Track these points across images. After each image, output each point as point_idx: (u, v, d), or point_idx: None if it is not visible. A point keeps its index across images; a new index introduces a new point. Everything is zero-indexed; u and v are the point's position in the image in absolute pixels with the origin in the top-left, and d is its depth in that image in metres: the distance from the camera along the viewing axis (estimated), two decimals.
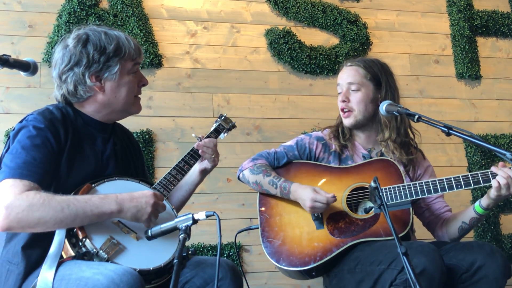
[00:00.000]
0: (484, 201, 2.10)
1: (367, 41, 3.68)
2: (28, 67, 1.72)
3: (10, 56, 1.68)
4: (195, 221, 1.60)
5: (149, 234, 1.64)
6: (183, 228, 1.58)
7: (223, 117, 2.32)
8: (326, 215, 2.18)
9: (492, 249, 1.96)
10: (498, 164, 2.03)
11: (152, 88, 3.25)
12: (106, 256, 1.59)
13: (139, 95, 1.94)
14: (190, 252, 1.68)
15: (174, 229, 1.62)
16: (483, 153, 3.56)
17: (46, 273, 1.55)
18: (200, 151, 2.06)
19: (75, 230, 1.62)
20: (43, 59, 3.13)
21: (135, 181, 1.85)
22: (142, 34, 3.28)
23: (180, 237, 1.55)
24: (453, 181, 2.07)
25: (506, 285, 1.94)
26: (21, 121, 1.74)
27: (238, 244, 3.11)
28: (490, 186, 2.03)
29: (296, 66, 3.51)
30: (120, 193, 1.68)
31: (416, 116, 1.90)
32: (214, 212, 1.60)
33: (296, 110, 3.46)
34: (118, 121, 2.00)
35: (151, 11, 3.40)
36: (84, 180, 1.73)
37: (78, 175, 1.74)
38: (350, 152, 2.33)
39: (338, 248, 2.10)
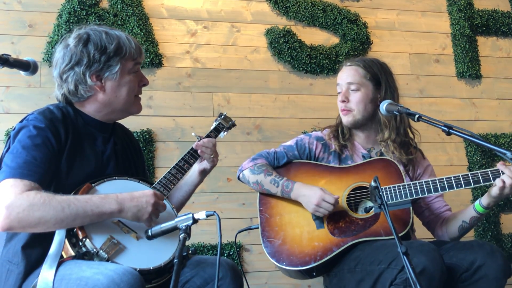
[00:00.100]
0: (484, 200, 2.10)
1: (367, 41, 3.68)
2: (28, 67, 1.72)
3: (10, 55, 1.68)
4: (195, 221, 1.60)
5: (150, 233, 1.64)
6: (183, 227, 1.58)
7: (223, 116, 2.32)
8: (326, 215, 2.18)
9: (492, 248, 1.96)
10: (499, 162, 2.03)
11: (152, 87, 3.25)
12: (106, 256, 1.59)
13: (139, 95, 1.94)
14: (190, 251, 1.67)
15: (175, 228, 1.62)
16: (483, 152, 3.56)
17: (46, 273, 1.55)
18: (199, 151, 2.06)
19: (75, 230, 1.62)
20: (43, 58, 3.13)
21: (135, 181, 1.85)
22: (142, 33, 3.28)
23: (180, 236, 1.55)
24: (453, 181, 2.07)
25: (506, 284, 1.94)
26: (21, 121, 1.74)
27: (238, 243, 3.11)
28: (491, 185, 2.03)
29: (296, 66, 3.51)
30: (121, 193, 1.68)
31: (416, 116, 1.90)
32: (214, 211, 1.60)
33: (296, 110, 3.46)
34: (118, 121, 2.00)
35: (151, 11, 3.40)
36: (84, 180, 1.73)
37: (78, 174, 1.74)
38: (350, 152, 2.33)
39: (339, 248, 2.10)
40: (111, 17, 3.26)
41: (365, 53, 3.64)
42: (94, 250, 1.59)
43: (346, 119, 2.30)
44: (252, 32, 3.54)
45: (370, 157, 2.30)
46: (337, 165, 2.30)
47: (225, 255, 3.05)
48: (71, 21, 3.17)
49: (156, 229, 1.64)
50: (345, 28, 3.64)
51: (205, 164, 2.12)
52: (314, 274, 2.17)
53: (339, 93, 2.34)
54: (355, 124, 2.31)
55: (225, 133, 2.30)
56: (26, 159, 1.62)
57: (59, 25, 3.18)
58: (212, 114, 3.30)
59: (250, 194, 2.94)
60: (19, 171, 1.60)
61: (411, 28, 3.83)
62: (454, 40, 3.83)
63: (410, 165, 2.31)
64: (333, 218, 2.17)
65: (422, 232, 2.42)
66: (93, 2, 3.26)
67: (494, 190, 2.01)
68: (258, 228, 2.26)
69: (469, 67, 3.77)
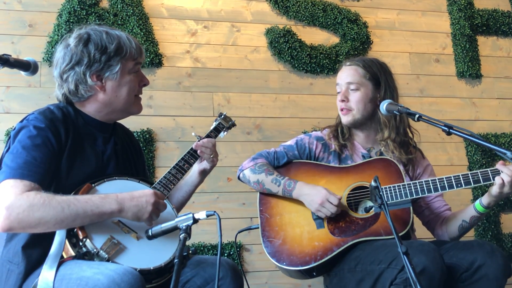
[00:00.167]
0: (485, 199, 2.10)
1: (368, 40, 3.68)
2: (29, 67, 1.72)
3: (10, 55, 1.68)
4: (195, 221, 1.60)
5: (150, 233, 1.64)
6: (184, 227, 1.58)
7: (222, 116, 2.32)
8: (328, 216, 2.18)
9: (492, 248, 1.96)
10: (498, 162, 2.03)
11: (153, 87, 3.25)
12: (106, 256, 1.59)
13: (140, 95, 1.94)
14: (190, 251, 1.67)
15: (175, 228, 1.62)
16: (483, 152, 3.57)
17: (46, 273, 1.55)
18: (198, 151, 2.06)
19: (75, 230, 1.62)
20: (43, 58, 3.14)
21: (135, 181, 1.85)
22: (142, 33, 3.28)
23: (180, 236, 1.55)
24: (453, 180, 2.07)
25: (506, 284, 1.94)
26: (21, 121, 1.74)
27: (238, 243, 3.11)
28: (491, 185, 2.03)
29: (296, 65, 3.51)
30: (121, 193, 1.68)
31: (417, 116, 1.90)
32: (215, 211, 1.60)
33: (297, 109, 3.46)
34: (118, 121, 2.00)
35: (151, 10, 3.40)
36: (85, 180, 1.73)
37: (78, 175, 1.74)
38: (350, 151, 2.33)
39: (339, 247, 2.10)
40: (111, 17, 3.26)
41: (365, 53, 3.64)
42: (95, 250, 1.59)
43: (346, 119, 2.30)
44: (252, 32, 3.54)
45: (370, 157, 2.30)
46: (337, 165, 2.30)
47: (226, 255, 3.05)
48: (71, 21, 3.17)
49: (157, 229, 1.64)
50: (345, 28, 3.64)
51: (205, 165, 2.12)
52: (315, 274, 2.17)
53: (338, 92, 2.34)
54: (354, 124, 2.31)
55: (225, 133, 2.30)
56: (26, 160, 1.62)
57: (59, 25, 3.18)
58: (212, 114, 3.30)
59: (250, 194, 2.94)
60: (19, 172, 1.60)
61: (411, 27, 3.83)
62: (454, 40, 3.83)
63: (410, 165, 2.31)
64: (333, 218, 2.17)
65: (422, 232, 2.42)
66: (93, 1, 3.26)
67: (494, 189, 2.01)
68: (258, 228, 2.26)
69: (469, 66, 3.77)
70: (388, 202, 2.05)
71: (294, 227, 2.20)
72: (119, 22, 3.27)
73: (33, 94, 3.09)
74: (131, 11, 3.30)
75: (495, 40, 3.95)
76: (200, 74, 3.39)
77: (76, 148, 1.77)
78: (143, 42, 3.26)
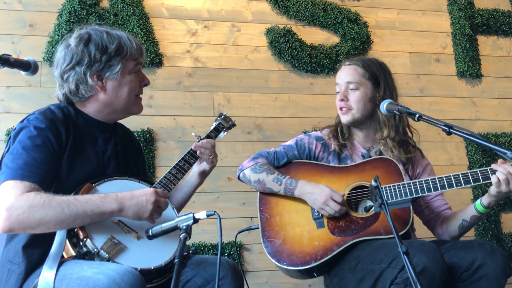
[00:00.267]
0: (485, 199, 2.10)
1: (368, 40, 3.68)
2: (29, 67, 1.72)
3: (10, 55, 1.69)
4: (195, 221, 1.60)
5: (150, 233, 1.64)
6: (184, 227, 1.58)
7: (223, 116, 2.32)
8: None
9: (492, 247, 1.97)
10: (498, 161, 2.03)
11: (153, 87, 3.25)
12: (107, 255, 1.59)
13: (140, 95, 1.94)
14: (191, 251, 1.67)
15: (175, 228, 1.62)
16: (484, 151, 3.57)
17: (47, 273, 1.55)
18: (198, 152, 2.05)
19: (76, 230, 1.62)
20: (43, 58, 3.14)
21: (136, 181, 1.85)
22: (142, 33, 3.28)
23: (181, 236, 1.55)
24: (452, 179, 2.08)
25: (506, 284, 1.94)
26: (22, 121, 1.74)
27: (239, 243, 3.11)
28: (490, 184, 2.03)
29: (296, 65, 3.51)
30: (121, 192, 1.68)
31: (417, 115, 1.90)
32: (215, 211, 1.60)
33: (297, 109, 3.46)
34: (119, 121, 2.00)
35: (151, 10, 3.40)
36: (85, 180, 1.73)
37: (79, 175, 1.74)
38: (349, 151, 2.33)
39: (339, 247, 2.10)
40: (112, 17, 3.26)
41: (366, 53, 3.64)
42: (95, 250, 1.60)
43: (345, 118, 2.31)
44: (253, 32, 3.55)
45: (370, 156, 2.30)
46: (336, 165, 2.30)
47: (226, 254, 3.05)
48: (72, 20, 3.17)
49: (157, 229, 1.64)
50: (346, 28, 3.64)
51: (204, 166, 2.12)
52: (315, 274, 2.17)
53: (338, 92, 2.34)
54: (354, 123, 2.31)
55: (225, 133, 2.31)
56: (26, 160, 1.62)
57: (60, 25, 3.18)
58: (212, 114, 3.30)
59: (251, 194, 2.94)
60: (19, 173, 1.60)
61: (411, 27, 3.83)
62: (455, 39, 3.83)
63: (409, 164, 2.31)
64: (334, 217, 2.17)
65: (422, 232, 2.42)
66: (93, 1, 3.26)
67: (492, 189, 2.02)
68: (258, 228, 2.26)
69: (470, 66, 3.76)
70: (388, 202, 2.05)
71: (294, 227, 2.20)
72: (119, 22, 3.27)
73: (33, 94, 3.09)
74: (132, 11, 3.30)
75: (495, 39, 3.95)
76: (201, 74, 3.39)
77: (77, 148, 1.77)
78: (143, 42, 3.26)
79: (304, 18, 3.62)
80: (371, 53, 3.65)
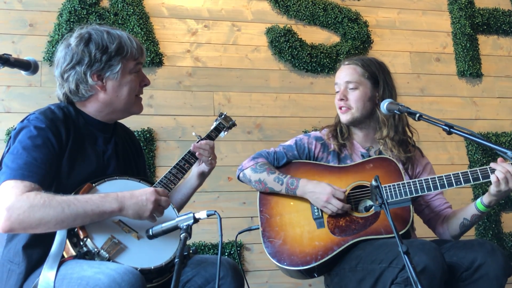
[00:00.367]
0: (485, 198, 2.10)
1: (368, 39, 3.68)
2: (29, 66, 1.72)
3: (11, 55, 1.69)
4: (196, 220, 1.60)
5: (150, 233, 1.65)
6: (184, 227, 1.58)
7: (223, 116, 2.32)
8: (326, 214, 2.18)
9: (492, 247, 1.97)
10: (498, 159, 2.03)
11: (153, 86, 3.25)
12: (107, 255, 1.59)
13: (140, 95, 1.94)
14: (191, 251, 1.68)
15: (175, 228, 1.63)
16: (484, 151, 3.57)
17: (47, 272, 1.55)
18: (197, 153, 2.05)
19: (76, 229, 1.62)
20: (44, 58, 3.14)
21: (136, 181, 1.85)
22: (142, 32, 3.28)
23: (181, 236, 1.55)
24: (452, 178, 2.08)
25: (506, 283, 1.94)
26: (22, 121, 1.74)
27: (239, 242, 3.11)
28: (491, 183, 2.03)
29: (297, 65, 3.51)
30: (121, 192, 1.68)
31: (417, 115, 1.90)
32: (215, 211, 1.60)
33: (297, 109, 3.46)
34: (119, 121, 2.00)
35: (151, 10, 3.40)
36: (85, 180, 1.73)
37: (79, 175, 1.74)
38: (349, 151, 2.33)
39: (339, 247, 2.10)
40: (112, 16, 3.26)
41: (366, 52, 3.64)
42: (95, 249, 1.60)
43: (345, 117, 2.31)
44: (253, 31, 3.54)
45: (369, 156, 2.30)
46: (336, 165, 2.30)
47: (226, 254, 3.05)
48: (72, 20, 3.17)
49: (157, 228, 1.64)
50: (346, 27, 3.63)
51: (203, 167, 2.11)
52: (316, 275, 2.17)
53: (337, 92, 2.34)
54: (353, 122, 2.31)
55: (226, 133, 2.30)
56: (27, 160, 1.62)
57: (60, 24, 3.18)
58: (212, 113, 3.30)
59: (251, 193, 2.94)
60: (20, 172, 1.60)
61: (411, 26, 3.83)
62: (455, 39, 3.83)
63: (409, 163, 2.31)
64: (334, 217, 2.17)
65: (423, 231, 2.42)
66: (93, 1, 3.26)
67: (492, 188, 2.02)
68: (258, 229, 2.26)
69: (470, 65, 3.76)
70: (388, 201, 2.05)
71: (295, 227, 2.20)
72: (119, 22, 3.27)
73: (33, 93, 3.09)
74: (132, 10, 3.30)
75: (496, 39, 3.95)
76: (201, 74, 3.39)
77: (77, 148, 1.77)
78: (143, 41, 3.26)
79: (305, 18, 3.61)
80: (371, 53, 3.65)
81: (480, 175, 2.05)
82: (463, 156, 3.61)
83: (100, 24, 1.89)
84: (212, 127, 2.26)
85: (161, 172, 2.91)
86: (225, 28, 3.51)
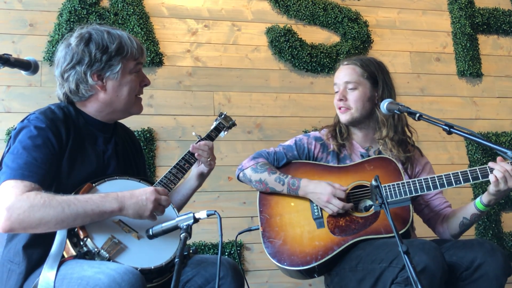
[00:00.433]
0: (485, 197, 2.10)
1: (368, 39, 3.68)
2: (29, 66, 1.72)
3: (11, 55, 1.69)
4: (196, 220, 1.60)
5: (150, 233, 1.65)
6: (184, 227, 1.58)
7: (223, 115, 2.32)
8: (326, 214, 2.18)
9: (492, 246, 1.97)
10: (497, 158, 2.03)
11: (153, 86, 3.25)
12: (107, 255, 1.59)
13: (140, 95, 1.94)
14: (191, 251, 1.68)
15: (175, 228, 1.63)
16: (484, 151, 3.57)
17: (47, 272, 1.55)
18: (195, 154, 2.05)
19: (76, 229, 1.62)
20: (44, 57, 3.14)
21: (136, 180, 1.85)
22: (142, 32, 3.28)
23: (181, 236, 1.55)
24: (452, 177, 2.08)
25: (506, 283, 1.94)
26: (22, 121, 1.74)
27: (239, 242, 3.11)
28: (489, 182, 2.03)
29: (297, 64, 3.51)
30: (121, 191, 1.68)
31: (417, 115, 1.90)
32: (215, 211, 1.60)
33: (297, 108, 3.46)
34: (119, 120, 2.00)
35: (151, 10, 3.40)
36: (85, 180, 1.73)
37: (79, 174, 1.74)
38: (348, 151, 2.33)
39: (339, 247, 2.10)
40: (112, 16, 3.26)
41: (366, 52, 3.64)
42: (95, 249, 1.60)
43: (344, 117, 2.31)
44: (253, 31, 3.54)
45: (369, 156, 2.30)
46: (336, 165, 2.30)
47: (226, 254, 3.05)
48: (72, 20, 3.17)
49: (157, 228, 1.65)
50: (346, 27, 3.63)
51: (202, 168, 2.11)
52: (316, 275, 2.17)
53: (336, 92, 2.34)
54: (353, 122, 2.32)
55: (226, 132, 2.30)
56: (27, 160, 1.62)
57: (60, 24, 3.18)
58: (213, 113, 3.30)
59: (251, 193, 2.94)
60: (20, 172, 1.60)
61: (412, 26, 3.83)
62: (455, 39, 3.83)
63: (408, 163, 2.31)
64: (334, 217, 2.17)
65: (423, 231, 2.42)
66: (93, 1, 3.26)
67: (491, 187, 2.02)
68: (258, 229, 2.26)
69: (470, 65, 3.76)
70: (388, 201, 2.05)
71: (295, 227, 2.20)
72: (119, 22, 3.27)
73: (33, 93, 3.09)
74: (132, 10, 3.30)
75: (496, 38, 3.95)
76: (201, 73, 3.39)
77: (77, 148, 1.77)
78: (143, 41, 3.26)
79: (305, 18, 3.61)
80: (371, 53, 3.65)
81: (479, 174, 2.05)
82: (463, 156, 3.61)
83: (100, 24, 1.89)
84: (212, 127, 2.26)
85: (161, 172, 2.91)
86: (225, 28, 3.51)
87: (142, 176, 1.95)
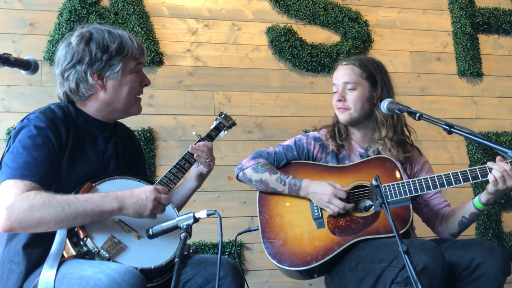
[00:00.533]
0: (483, 196, 2.10)
1: (369, 39, 3.68)
2: (29, 66, 1.72)
3: (11, 54, 1.69)
4: (196, 220, 1.60)
5: (150, 233, 1.65)
6: (184, 226, 1.58)
7: (223, 115, 2.32)
8: (326, 214, 2.18)
9: (491, 246, 1.97)
10: (496, 158, 2.03)
11: (153, 86, 3.25)
12: (107, 255, 1.59)
13: (140, 95, 1.93)
14: (191, 250, 1.68)
15: (175, 227, 1.63)
16: (484, 150, 3.57)
17: (47, 272, 1.55)
18: (195, 155, 2.04)
19: (76, 229, 1.62)
20: (44, 57, 3.14)
21: (136, 180, 1.85)
22: (143, 32, 3.28)
23: (181, 235, 1.55)
24: (451, 177, 2.08)
25: (505, 282, 1.94)
26: (22, 120, 1.74)
27: (239, 242, 3.11)
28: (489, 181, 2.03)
29: (297, 64, 3.51)
30: (121, 191, 1.67)
31: (418, 114, 1.90)
32: (215, 211, 1.60)
33: (297, 108, 3.46)
34: (119, 120, 2.00)
35: (152, 9, 3.39)
36: (85, 180, 1.73)
37: (79, 174, 1.74)
38: (347, 151, 2.33)
39: (340, 247, 2.10)
40: (112, 16, 3.26)
41: (366, 51, 3.64)
42: (95, 249, 1.59)
43: (343, 117, 2.31)
44: (253, 31, 3.54)
45: (368, 156, 2.30)
46: (335, 165, 2.30)
47: (226, 254, 3.05)
48: (72, 19, 3.17)
49: (157, 228, 1.64)
50: (346, 26, 3.63)
51: (201, 168, 2.10)
52: (316, 275, 2.17)
53: (335, 92, 2.34)
54: (352, 122, 2.31)
55: (226, 132, 2.30)
56: (27, 160, 1.62)
57: (60, 24, 3.18)
58: (213, 113, 3.30)
59: (251, 193, 2.93)
60: (20, 172, 1.60)
61: (412, 26, 3.82)
62: (455, 38, 3.83)
63: (407, 163, 2.31)
64: (334, 217, 2.17)
65: (423, 231, 2.42)
66: (94, 0, 3.26)
67: (490, 187, 2.02)
68: (258, 230, 2.25)
69: (471, 65, 3.76)
70: (387, 201, 2.05)
71: (295, 228, 2.20)
72: (119, 21, 3.27)
73: (34, 93, 3.09)
74: (132, 9, 3.30)
75: (496, 38, 3.95)
76: (201, 73, 3.39)
77: (77, 147, 1.77)
78: (143, 41, 3.26)
79: (305, 17, 3.61)
80: (371, 52, 3.65)
81: (479, 174, 2.05)
82: (463, 155, 3.61)
83: (101, 24, 1.89)
84: (212, 127, 2.26)
85: (161, 172, 2.91)
86: (225, 27, 3.51)
87: (142, 176, 1.95)
